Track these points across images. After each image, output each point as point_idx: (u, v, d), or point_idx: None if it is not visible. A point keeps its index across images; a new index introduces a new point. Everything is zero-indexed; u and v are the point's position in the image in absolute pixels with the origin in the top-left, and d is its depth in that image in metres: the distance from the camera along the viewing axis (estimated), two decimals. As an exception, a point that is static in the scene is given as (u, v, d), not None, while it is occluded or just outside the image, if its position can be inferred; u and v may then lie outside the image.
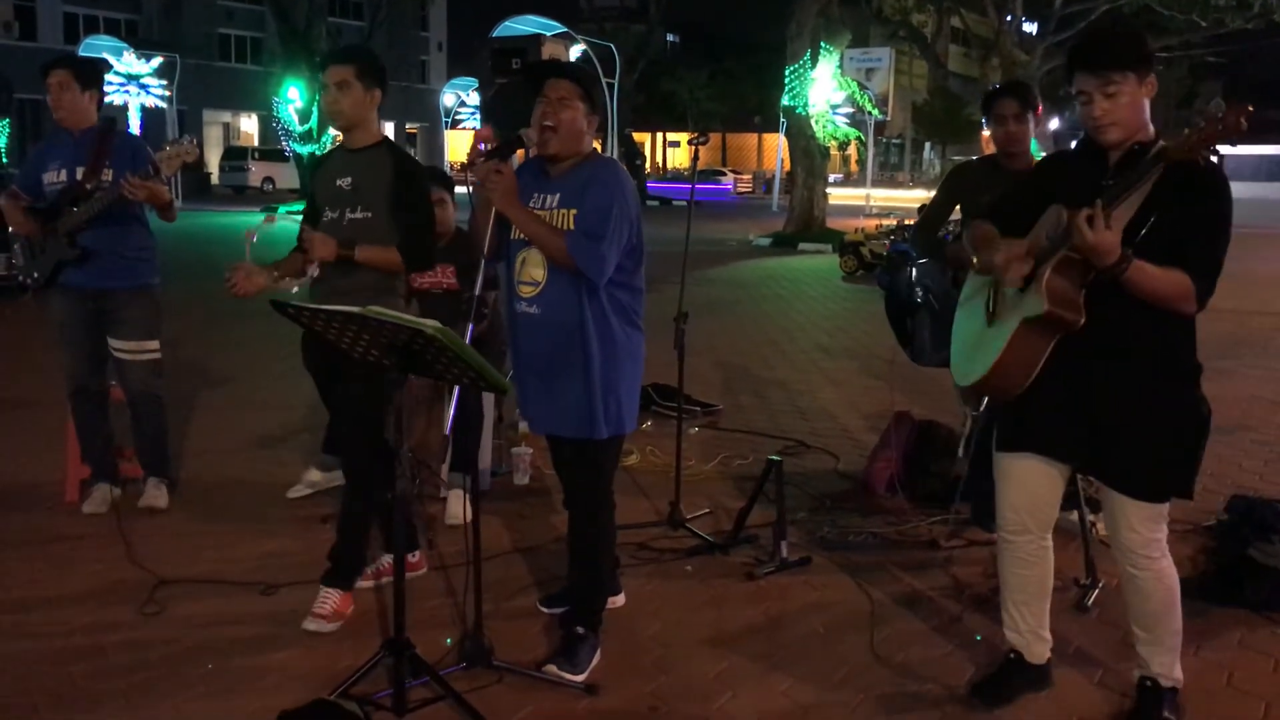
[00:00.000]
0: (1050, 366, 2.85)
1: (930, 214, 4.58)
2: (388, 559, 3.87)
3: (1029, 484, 3.05)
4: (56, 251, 4.40)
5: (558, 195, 3.18)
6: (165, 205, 4.38)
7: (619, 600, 3.78)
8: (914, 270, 4.52)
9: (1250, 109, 2.56)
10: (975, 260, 3.13)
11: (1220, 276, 2.73)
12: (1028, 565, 3.12)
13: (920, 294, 4.39)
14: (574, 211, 3.13)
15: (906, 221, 14.52)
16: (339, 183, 3.66)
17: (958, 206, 4.50)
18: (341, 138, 3.77)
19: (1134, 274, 2.66)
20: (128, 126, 26.51)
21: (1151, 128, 2.80)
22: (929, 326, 4.35)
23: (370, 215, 3.61)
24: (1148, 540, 2.92)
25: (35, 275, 4.47)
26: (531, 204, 3.20)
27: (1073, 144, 5.14)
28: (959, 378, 3.15)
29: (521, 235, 3.20)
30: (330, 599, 3.62)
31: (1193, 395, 2.87)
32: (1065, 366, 2.84)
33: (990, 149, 4.43)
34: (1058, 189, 2.86)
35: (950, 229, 4.62)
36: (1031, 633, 3.18)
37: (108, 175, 4.35)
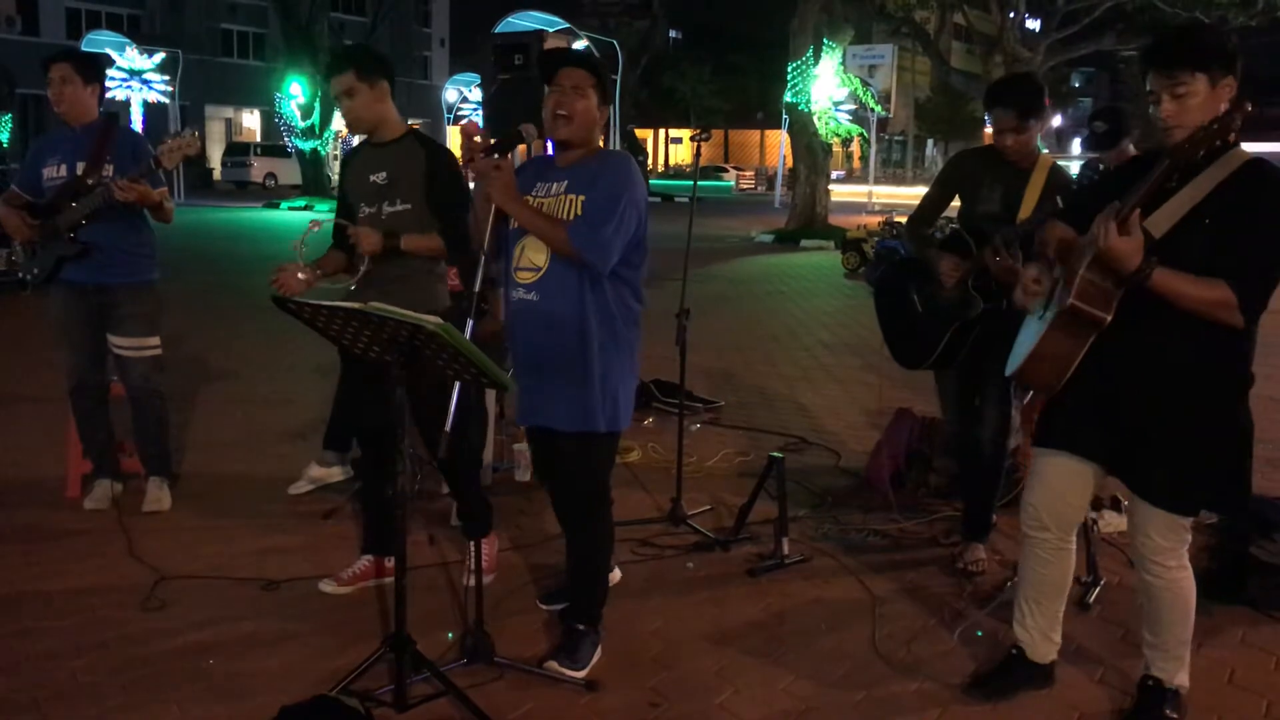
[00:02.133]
0: (1090, 366, 2.83)
1: (926, 206, 4.30)
2: (364, 561, 3.91)
3: (1055, 482, 3.02)
4: (57, 247, 4.39)
5: (565, 182, 3.16)
6: (154, 206, 4.38)
7: (615, 575, 3.81)
8: (905, 272, 4.36)
9: (1249, 105, 2.54)
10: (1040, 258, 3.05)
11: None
12: (1044, 564, 3.10)
13: (911, 297, 4.25)
14: (582, 198, 3.10)
15: (896, 218, 14.38)
16: (373, 178, 3.72)
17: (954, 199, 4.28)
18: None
19: (1158, 282, 2.61)
20: (129, 122, 26.54)
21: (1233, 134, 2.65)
22: (915, 329, 4.21)
23: (409, 206, 3.68)
24: (1163, 549, 2.88)
25: (35, 271, 4.46)
26: (535, 192, 3.18)
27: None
28: (1008, 367, 3.11)
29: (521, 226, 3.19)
30: (359, 563, 3.82)
31: (1231, 408, 2.80)
32: (1103, 367, 2.82)
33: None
34: (1123, 190, 2.78)
35: (942, 226, 4.43)
36: (1039, 631, 3.17)
37: (109, 170, 4.34)
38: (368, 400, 3.76)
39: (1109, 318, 2.73)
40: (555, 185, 3.17)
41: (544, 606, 3.72)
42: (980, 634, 3.60)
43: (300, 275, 3.66)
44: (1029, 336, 3.03)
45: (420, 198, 3.67)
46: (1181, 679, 3.03)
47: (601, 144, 3.34)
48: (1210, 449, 2.81)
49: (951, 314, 3.99)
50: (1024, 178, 3.92)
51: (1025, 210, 3.86)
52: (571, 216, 3.09)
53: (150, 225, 4.59)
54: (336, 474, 5.00)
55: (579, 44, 21.28)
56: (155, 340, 4.62)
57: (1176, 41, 2.69)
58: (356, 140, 3.91)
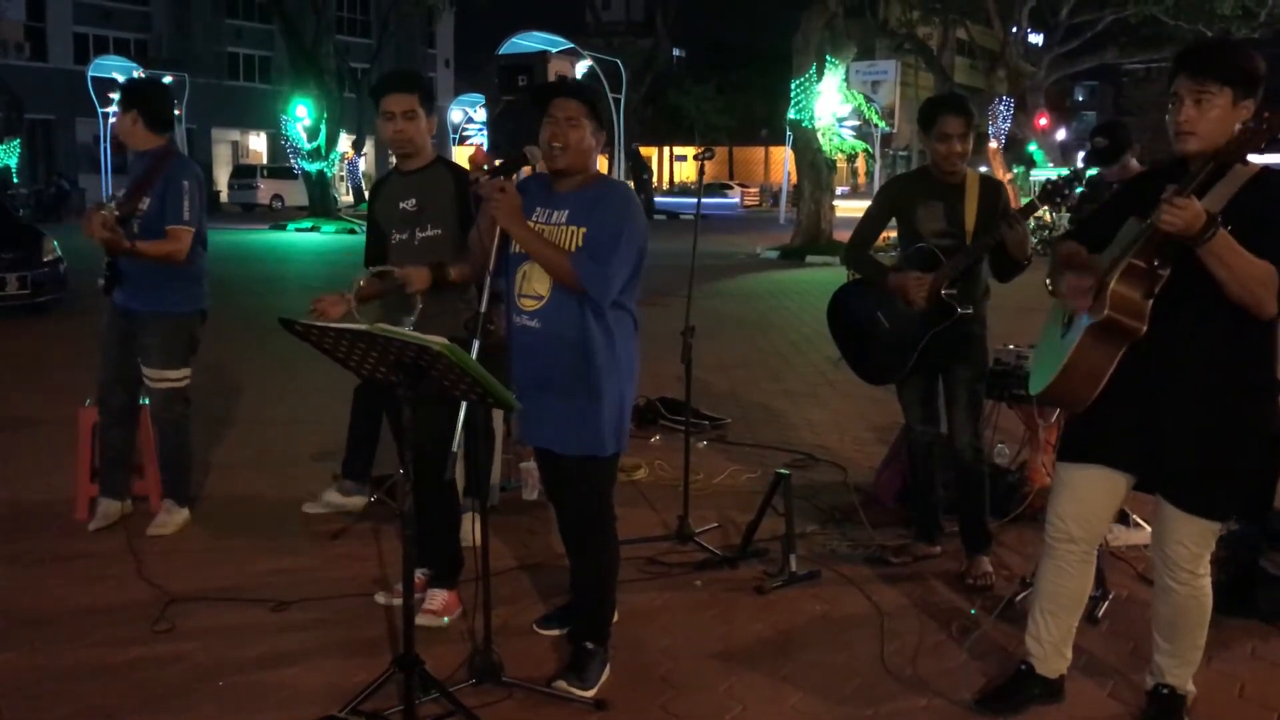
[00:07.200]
0: (1119, 378, 2.83)
1: (863, 229, 4.40)
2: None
3: (1084, 494, 3.01)
4: (106, 269, 4.52)
5: (566, 212, 3.20)
6: (123, 252, 4.40)
7: None
8: (860, 291, 4.45)
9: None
10: (1047, 282, 3.11)
11: None
12: (1066, 576, 3.09)
13: (874, 315, 4.33)
14: (583, 229, 3.14)
15: None
16: (403, 205, 3.81)
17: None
18: (395, 161, 3.92)
19: (1220, 244, 2.58)
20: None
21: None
22: (884, 345, 4.29)
23: (440, 231, 3.77)
24: (1194, 556, 2.89)
25: (101, 281, 4.57)
26: (535, 219, 3.21)
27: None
28: (1031, 388, 3.12)
29: (523, 250, 3.21)
30: (438, 596, 3.77)
31: (1263, 412, 2.80)
32: (1133, 377, 2.82)
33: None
34: (1140, 204, 2.81)
35: (887, 249, 4.50)
36: (1052, 644, 3.16)
37: (143, 204, 4.46)
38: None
39: (1144, 328, 2.75)
40: (555, 214, 3.21)
41: (540, 631, 3.71)
42: (973, 611, 3.59)
43: (338, 305, 3.76)
44: (1049, 354, 3.04)
45: (452, 222, 3.75)
46: (1191, 685, 3.06)
47: (605, 165, 3.37)
48: (1243, 453, 2.82)
49: (927, 323, 4.09)
50: (959, 192, 4.11)
51: (969, 219, 4.07)
52: (573, 248, 3.13)
53: (197, 259, 4.58)
54: (359, 503, 4.94)
55: (583, 64, 21.41)
56: (176, 374, 4.61)
57: (1212, 52, 2.75)
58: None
